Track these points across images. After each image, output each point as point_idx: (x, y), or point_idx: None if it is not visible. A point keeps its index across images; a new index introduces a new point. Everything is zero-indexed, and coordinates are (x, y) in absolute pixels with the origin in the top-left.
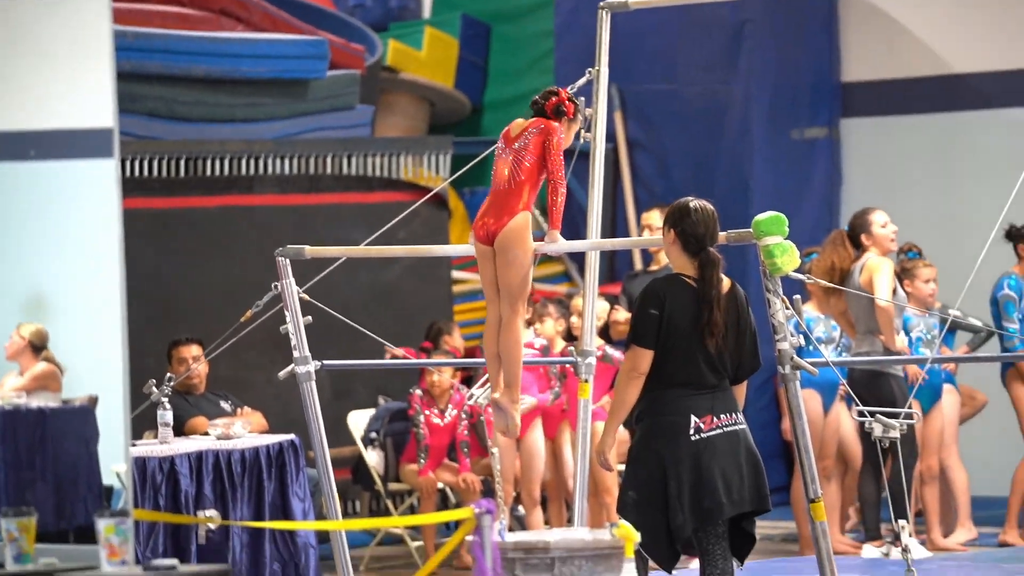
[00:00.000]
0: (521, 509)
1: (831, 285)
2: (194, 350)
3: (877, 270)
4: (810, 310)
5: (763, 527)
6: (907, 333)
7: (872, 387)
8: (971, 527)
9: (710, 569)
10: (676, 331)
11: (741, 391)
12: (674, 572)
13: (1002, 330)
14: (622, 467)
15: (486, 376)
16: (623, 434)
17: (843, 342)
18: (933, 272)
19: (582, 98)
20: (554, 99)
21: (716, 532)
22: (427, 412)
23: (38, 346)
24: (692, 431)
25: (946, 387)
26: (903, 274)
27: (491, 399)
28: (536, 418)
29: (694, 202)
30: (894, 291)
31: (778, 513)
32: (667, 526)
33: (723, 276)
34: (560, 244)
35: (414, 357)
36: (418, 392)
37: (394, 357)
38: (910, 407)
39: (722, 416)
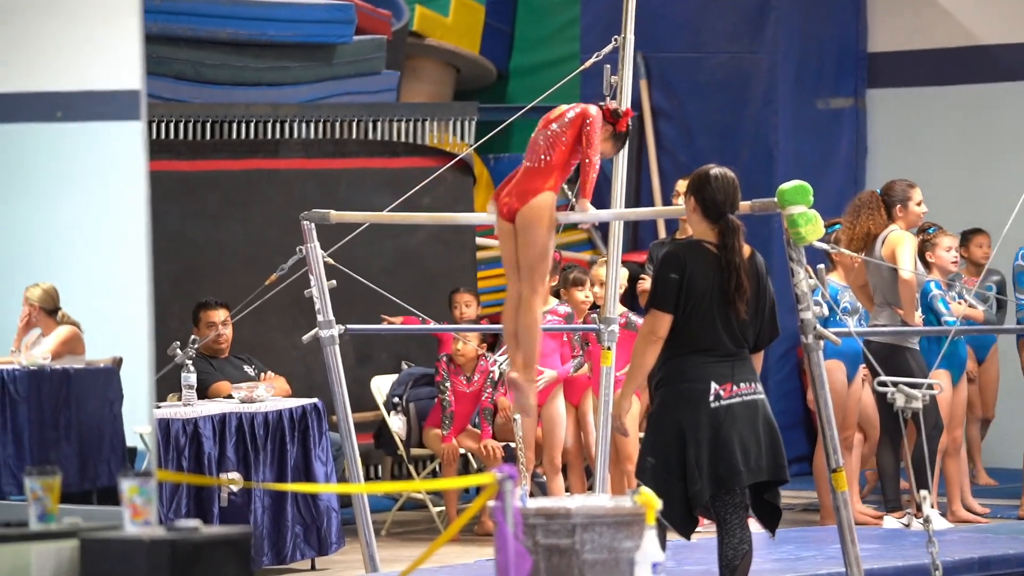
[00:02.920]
0: (543, 476)
1: (854, 255)
2: (221, 314)
3: (900, 244)
4: (836, 280)
5: (783, 496)
6: (926, 301)
7: (890, 360)
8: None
9: (728, 538)
10: (696, 297)
11: (758, 360)
12: (693, 538)
13: (1017, 300)
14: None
15: None
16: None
17: (867, 312)
18: (954, 241)
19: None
20: (612, 104)
21: (734, 501)
22: (454, 379)
23: (50, 308)
24: (712, 398)
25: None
26: (924, 246)
27: (508, 378)
28: (558, 386)
29: (715, 170)
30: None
31: (799, 483)
32: (685, 492)
33: (744, 243)
34: (587, 213)
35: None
36: (445, 358)
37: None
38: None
39: (742, 384)
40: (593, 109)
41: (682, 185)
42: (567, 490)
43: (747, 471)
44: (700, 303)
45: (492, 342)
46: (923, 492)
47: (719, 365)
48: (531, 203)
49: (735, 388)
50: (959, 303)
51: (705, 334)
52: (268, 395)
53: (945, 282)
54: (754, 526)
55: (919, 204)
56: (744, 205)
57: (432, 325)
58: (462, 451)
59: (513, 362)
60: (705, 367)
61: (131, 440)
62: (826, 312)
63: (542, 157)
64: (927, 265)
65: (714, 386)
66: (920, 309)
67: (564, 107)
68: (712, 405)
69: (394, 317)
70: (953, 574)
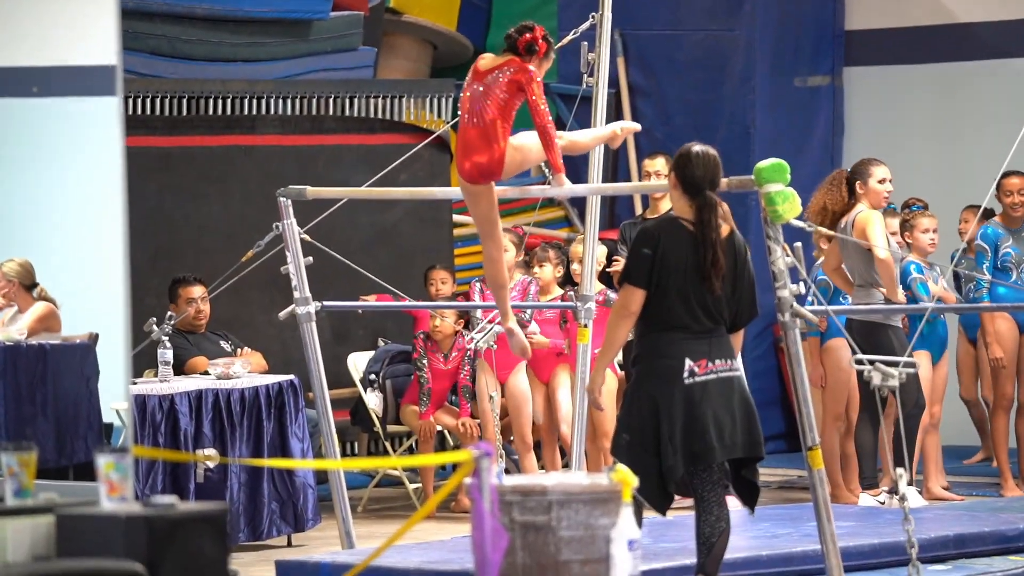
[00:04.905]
0: (515, 452)
1: (831, 232)
2: (198, 290)
3: (869, 223)
4: None
5: (761, 474)
6: (905, 283)
7: (870, 339)
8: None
9: (705, 516)
10: (670, 272)
11: (738, 339)
12: (669, 515)
13: (976, 279)
14: None
15: (486, 320)
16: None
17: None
18: (933, 222)
19: (561, 39)
20: (528, 35)
21: (711, 479)
22: (431, 357)
23: (28, 284)
24: (686, 374)
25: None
26: (903, 226)
27: (505, 328)
28: (521, 362)
29: (696, 147)
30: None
31: (776, 460)
32: (660, 469)
33: (722, 221)
34: (563, 188)
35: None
36: (423, 336)
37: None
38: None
39: (717, 361)
40: (529, 67)
41: (650, 164)
42: (541, 467)
43: (721, 447)
44: (674, 279)
45: (469, 319)
46: (899, 470)
47: (695, 342)
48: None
49: (710, 365)
50: (936, 283)
51: (680, 311)
52: (244, 371)
53: (925, 262)
54: (733, 503)
55: (881, 182)
56: (721, 183)
57: (408, 302)
58: (439, 428)
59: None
60: (680, 343)
61: (107, 416)
62: (803, 290)
63: (481, 112)
64: (907, 245)
65: (688, 362)
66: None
67: (492, 57)
68: (686, 381)
69: (368, 296)
70: (929, 551)
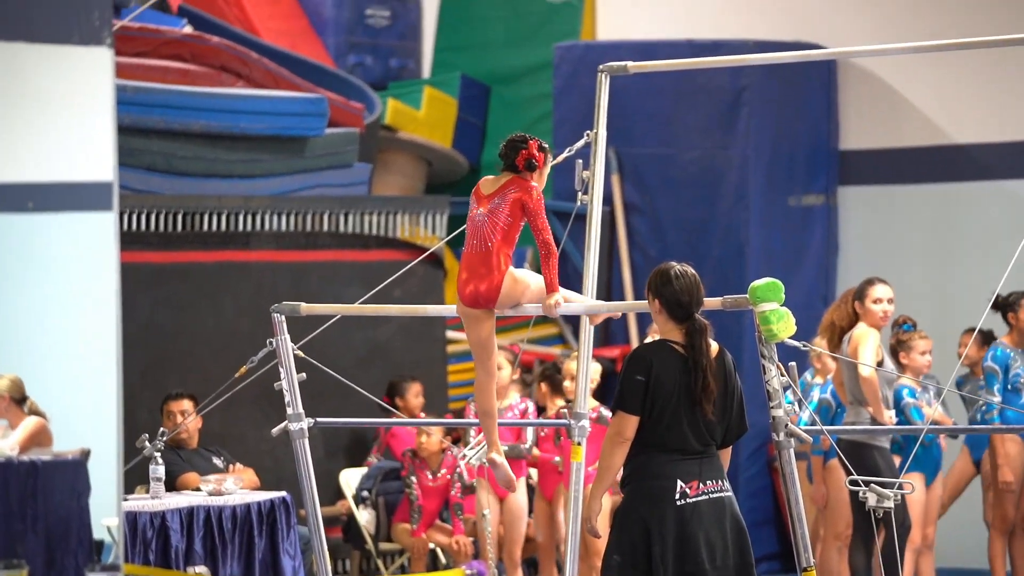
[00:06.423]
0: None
1: (826, 352)
2: (185, 405)
3: (862, 341)
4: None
5: None
6: (899, 407)
7: (856, 458)
8: None
9: None
10: (663, 397)
11: (726, 456)
12: None
13: (988, 401)
14: None
15: (479, 436)
16: (615, 498)
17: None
18: (928, 344)
19: (547, 145)
20: (524, 152)
21: None
22: (420, 474)
23: (19, 398)
24: (678, 496)
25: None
26: (898, 346)
27: (487, 458)
28: (521, 478)
29: (675, 268)
30: (880, 363)
31: None
32: None
33: (711, 341)
34: (559, 307)
35: None
36: (410, 453)
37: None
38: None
39: (708, 482)
40: (530, 183)
41: None
42: None
43: (712, 569)
44: (667, 404)
45: (458, 436)
46: None
47: (686, 463)
48: (504, 287)
49: (701, 486)
50: (930, 405)
51: (672, 434)
52: (236, 488)
53: (919, 384)
54: None
55: (876, 302)
56: (715, 302)
57: (407, 419)
58: (431, 546)
59: (492, 442)
60: (671, 465)
61: (98, 533)
62: (798, 409)
63: (485, 239)
64: (901, 366)
65: (680, 484)
66: (894, 410)
67: (492, 180)
68: (678, 503)
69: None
70: None
